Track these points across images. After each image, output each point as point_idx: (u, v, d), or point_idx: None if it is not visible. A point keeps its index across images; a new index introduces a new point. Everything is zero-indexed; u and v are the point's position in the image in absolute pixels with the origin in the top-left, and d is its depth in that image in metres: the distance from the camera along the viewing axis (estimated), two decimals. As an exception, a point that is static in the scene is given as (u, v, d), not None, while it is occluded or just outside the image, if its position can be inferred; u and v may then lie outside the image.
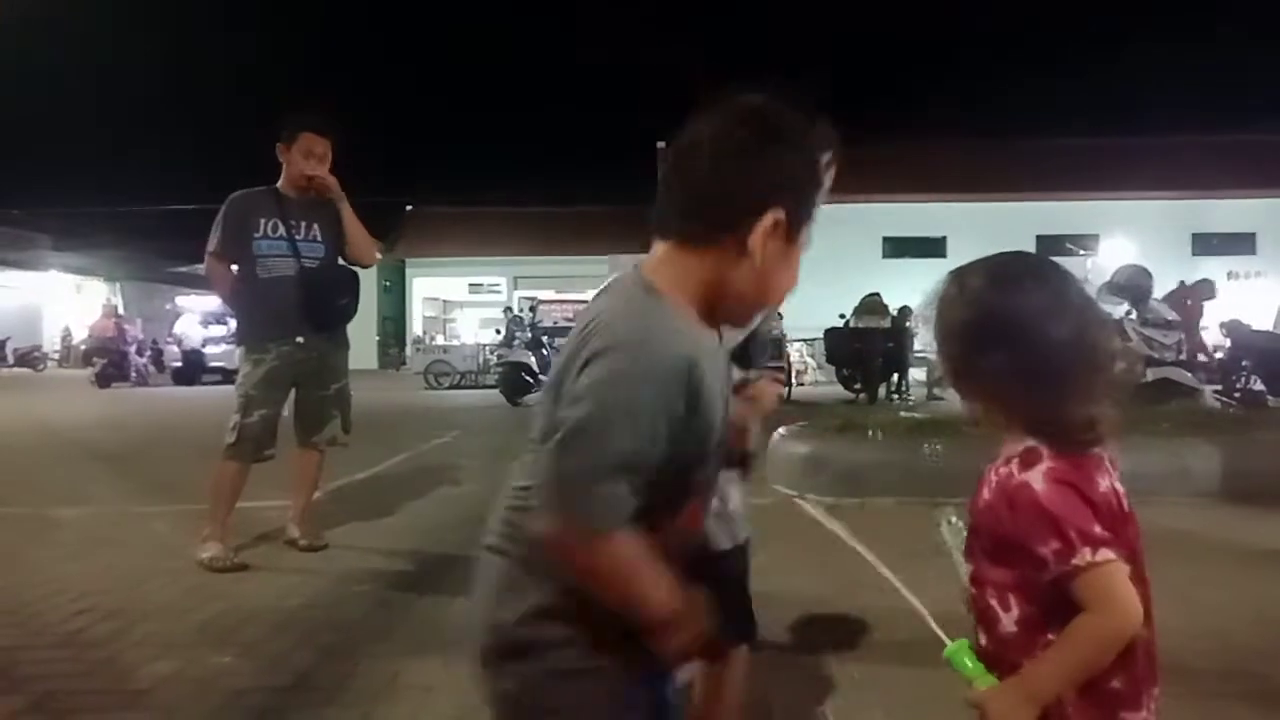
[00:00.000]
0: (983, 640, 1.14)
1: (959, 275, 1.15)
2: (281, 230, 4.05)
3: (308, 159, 4.10)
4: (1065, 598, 1.04)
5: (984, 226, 22.99)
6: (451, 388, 18.83)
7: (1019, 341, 1.08)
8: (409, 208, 34.68)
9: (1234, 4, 73.22)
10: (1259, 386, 10.26)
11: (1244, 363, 10.55)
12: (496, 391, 14.28)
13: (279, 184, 4.14)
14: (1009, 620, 1.10)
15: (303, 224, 4.10)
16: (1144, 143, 24.47)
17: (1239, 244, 22.12)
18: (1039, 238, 21.50)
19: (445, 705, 2.44)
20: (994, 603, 1.11)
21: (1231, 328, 11.17)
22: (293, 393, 4.14)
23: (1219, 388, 9.87)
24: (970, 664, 1.10)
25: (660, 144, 27.01)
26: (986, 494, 1.13)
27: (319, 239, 4.13)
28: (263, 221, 4.04)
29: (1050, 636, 1.07)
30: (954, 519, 1.24)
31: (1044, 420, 1.08)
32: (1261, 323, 11.61)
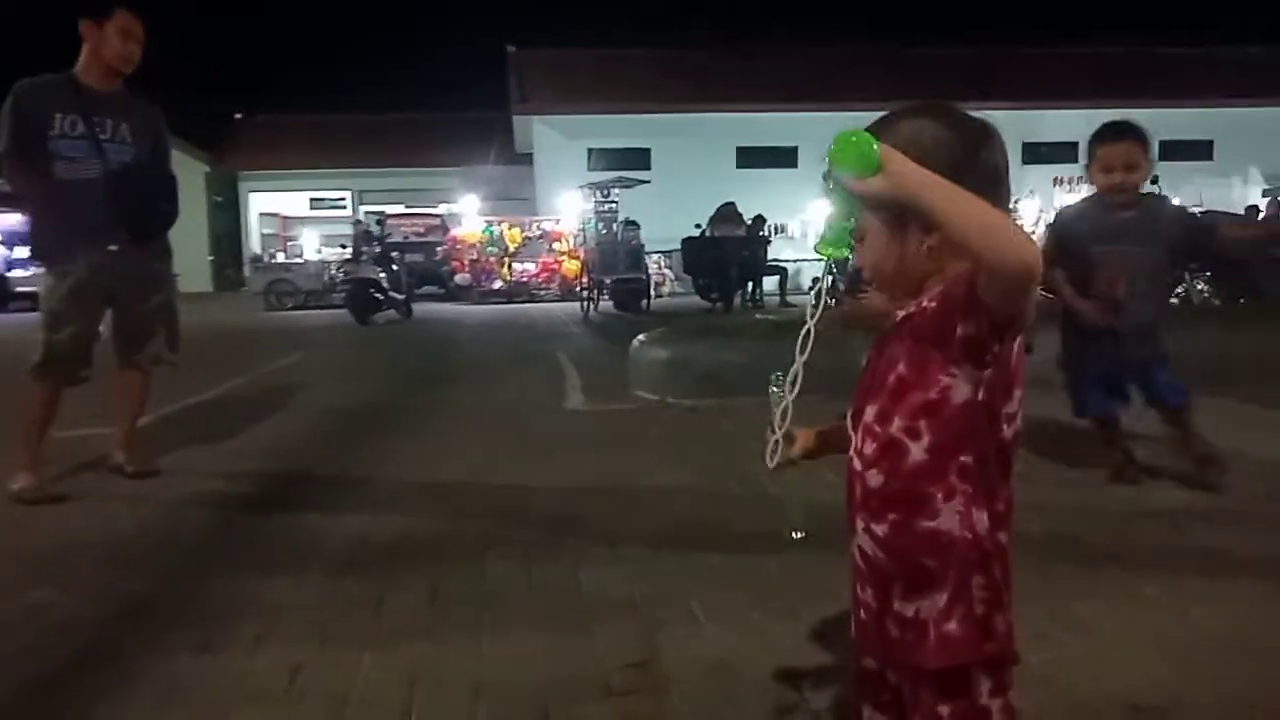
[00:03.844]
0: (879, 483, 1.11)
1: (924, 114, 1.09)
2: (82, 128, 3.58)
3: (126, 40, 3.62)
4: (982, 419, 1.04)
5: (832, 137, 23.59)
6: (295, 308, 17.93)
7: (1003, 171, 1.10)
8: (238, 116, 32.25)
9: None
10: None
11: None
12: (344, 311, 13.68)
13: (77, 70, 3.65)
14: (919, 449, 1.07)
15: (108, 121, 3.63)
16: (977, 54, 25.51)
17: (1064, 153, 23.69)
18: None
19: (295, 622, 2.31)
20: (902, 435, 1.08)
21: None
22: (110, 310, 3.74)
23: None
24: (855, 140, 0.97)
25: (511, 48, 26.07)
26: (910, 308, 1.10)
27: (128, 139, 3.68)
28: (59, 118, 3.54)
29: (964, 458, 1.06)
30: (779, 376, 1.23)
31: None
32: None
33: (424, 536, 3.03)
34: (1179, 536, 2.86)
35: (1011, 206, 2.17)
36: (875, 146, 0.96)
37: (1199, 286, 9.51)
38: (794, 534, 1.27)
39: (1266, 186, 23.06)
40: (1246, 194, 21.75)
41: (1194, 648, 2.07)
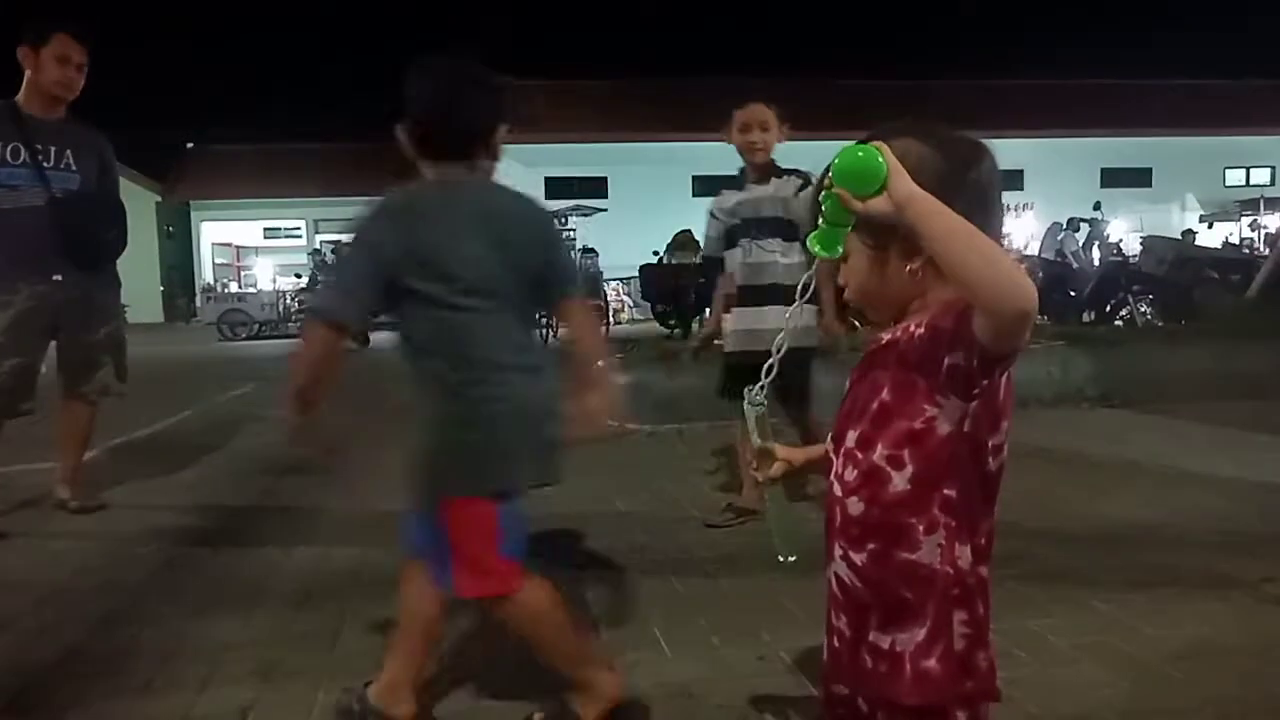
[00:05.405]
0: (859, 510, 1.08)
1: (910, 133, 1.05)
2: (25, 156, 3.49)
3: (64, 66, 3.56)
4: (967, 451, 1.02)
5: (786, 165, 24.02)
6: (250, 338, 17.65)
7: (993, 193, 1.09)
8: (189, 145, 31.82)
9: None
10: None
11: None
12: (300, 341, 13.48)
13: (19, 98, 3.57)
14: (902, 479, 1.04)
15: (52, 149, 3.55)
16: (923, 85, 26.17)
17: (1009, 180, 24.40)
18: (836, 175, 22.76)
19: (244, 660, 2.24)
20: (885, 464, 1.05)
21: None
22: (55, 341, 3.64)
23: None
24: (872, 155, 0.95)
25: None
26: (896, 333, 1.08)
27: (73, 167, 3.60)
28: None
29: (948, 491, 1.03)
30: (755, 391, 1.21)
31: None
32: (1030, 248, 12.79)
33: (381, 566, 2.96)
34: (1130, 553, 2.91)
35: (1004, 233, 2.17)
36: (881, 160, 0.94)
37: (1142, 309, 9.76)
38: (783, 558, 1.24)
39: (1203, 213, 23.91)
40: (1184, 220, 22.52)
41: (1147, 662, 2.10)
